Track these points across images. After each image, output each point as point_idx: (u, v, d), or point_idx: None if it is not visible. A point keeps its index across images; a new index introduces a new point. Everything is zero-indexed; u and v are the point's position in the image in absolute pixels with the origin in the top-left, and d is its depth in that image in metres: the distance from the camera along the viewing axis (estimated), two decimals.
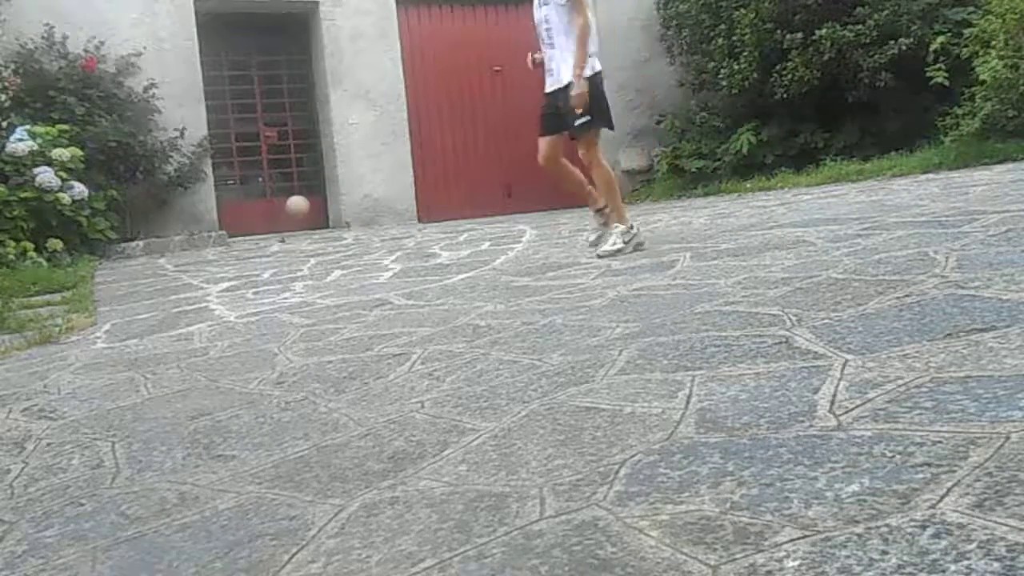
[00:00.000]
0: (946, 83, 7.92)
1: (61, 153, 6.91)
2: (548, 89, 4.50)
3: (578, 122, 4.29)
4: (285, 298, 4.31)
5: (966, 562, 0.95)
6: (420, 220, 9.60)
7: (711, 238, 4.51)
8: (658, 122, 10.56)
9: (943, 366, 1.64)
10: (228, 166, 9.43)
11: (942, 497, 1.11)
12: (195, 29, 8.74)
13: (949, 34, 8.10)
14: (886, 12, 8.61)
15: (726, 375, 1.83)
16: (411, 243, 6.67)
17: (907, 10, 8.63)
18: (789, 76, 8.90)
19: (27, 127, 6.94)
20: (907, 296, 2.29)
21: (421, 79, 9.85)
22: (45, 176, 6.65)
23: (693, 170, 9.83)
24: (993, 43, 7.40)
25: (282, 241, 8.05)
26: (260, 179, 9.80)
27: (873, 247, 3.28)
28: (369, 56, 9.55)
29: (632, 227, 4.48)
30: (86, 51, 7.95)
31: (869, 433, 1.37)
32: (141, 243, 7.75)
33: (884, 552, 1.00)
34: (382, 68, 9.67)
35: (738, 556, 1.05)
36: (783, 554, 1.04)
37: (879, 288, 2.45)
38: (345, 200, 9.48)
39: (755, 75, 9.17)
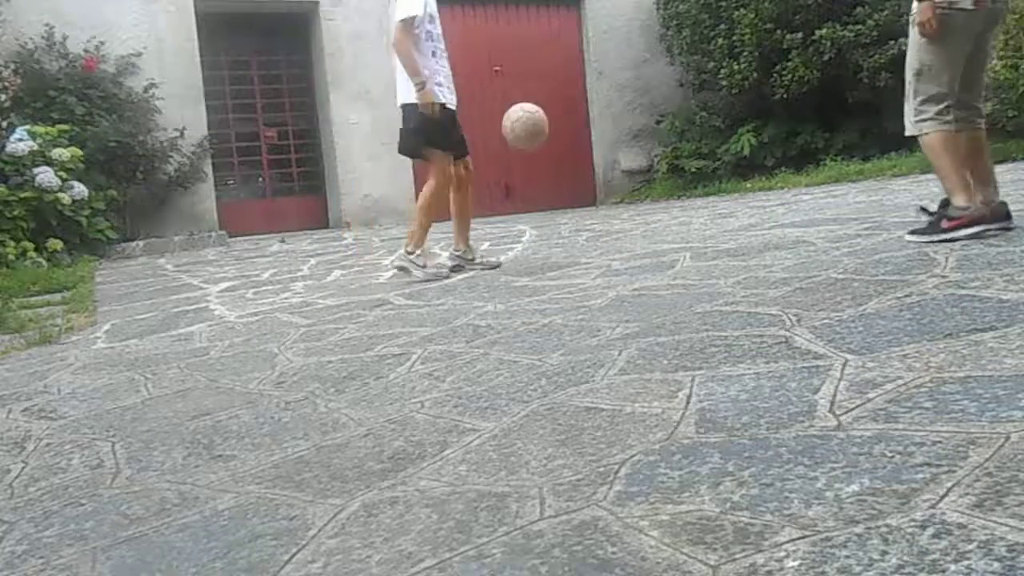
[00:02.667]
0: None
1: (61, 153, 6.90)
2: (452, 105, 4.31)
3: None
4: (285, 298, 4.31)
5: (966, 562, 0.95)
6: None
7: (711, 238, 4.51)
8: (658, 122, 10.56)
9: (943, 366, 1.64)
10: (228, 166, 9.42)
11: (942, 497, 1.11)
12: (195, 29, 8.74)
13: None
14: (886, 12, 8.62)
15: (726, 375, 1.83)
16: None
17: (907, 10, 8.59)
18: (789, 76, 8.90)
19: (27, 127, 6.93)
20: (907, 296, 2.29)
21: None
22: (45, 176, 6.65)
23: (693, 170, 9.83)
24: (993, 43, 7.39)
25: (282, 241, 8.05)
26: (260, 179, 9.80)
27: (873, 247, 3.28)
28: (369, 56, 9.53)
29: (418, 253, 4.38)
30: (86, 51, 7.95)
31: (869, 433, 1.37)
32: (141, 243, 7.74)
33: (884, 552, 1.00)
34: (382, 68, 9.63)
35: (738, 556, 1.05)
36: (783, 554, 1.04)
37: (879, 288, 2.45)
38: (345, 200, 9.47)
39: (755, 75, 9.17)
